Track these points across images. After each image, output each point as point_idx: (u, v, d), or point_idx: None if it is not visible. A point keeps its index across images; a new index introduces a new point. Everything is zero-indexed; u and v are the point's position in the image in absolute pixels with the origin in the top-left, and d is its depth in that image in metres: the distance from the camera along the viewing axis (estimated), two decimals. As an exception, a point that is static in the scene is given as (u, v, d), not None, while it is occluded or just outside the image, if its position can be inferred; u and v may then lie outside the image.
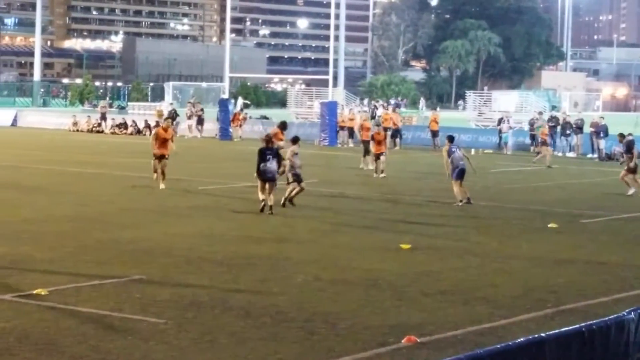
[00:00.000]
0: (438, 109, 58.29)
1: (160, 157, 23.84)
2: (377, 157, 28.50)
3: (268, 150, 19.63)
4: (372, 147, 28.79)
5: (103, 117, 54.10)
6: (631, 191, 24.87)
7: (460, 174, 21.76)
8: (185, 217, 18.83)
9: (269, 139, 20.00)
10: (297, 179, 20.51)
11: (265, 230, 17.56)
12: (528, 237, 17.75)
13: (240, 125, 49.38)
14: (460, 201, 21.65)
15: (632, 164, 25.16)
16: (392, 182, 27.45)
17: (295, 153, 20.61)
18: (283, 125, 27.61)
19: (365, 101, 76.59)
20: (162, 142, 24.05)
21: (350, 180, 27.67)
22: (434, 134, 44.70)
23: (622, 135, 27.67)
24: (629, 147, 26.00)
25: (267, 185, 19.33)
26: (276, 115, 63.59)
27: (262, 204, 19.37)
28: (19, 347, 9.46)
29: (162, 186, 23.56)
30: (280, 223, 18.59)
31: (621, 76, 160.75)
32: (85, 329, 10.19)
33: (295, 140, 21.10)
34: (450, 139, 22.53)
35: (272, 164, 19.36)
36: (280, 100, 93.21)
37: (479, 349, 6.71)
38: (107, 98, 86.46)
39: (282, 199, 20.41)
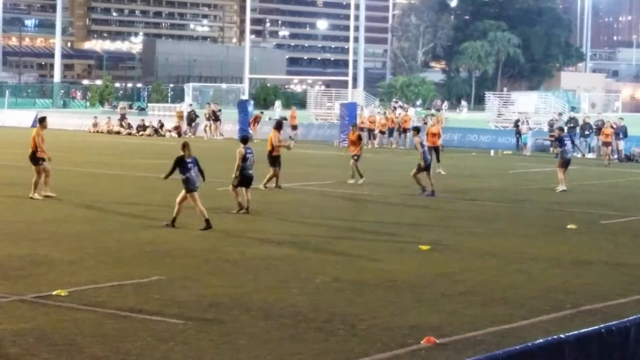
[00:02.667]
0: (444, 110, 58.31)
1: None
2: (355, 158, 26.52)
3: (189, 158, 17.65)
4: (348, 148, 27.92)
5: (123, 118, 54.35)
6: None
7: (429, 166, 23.99)
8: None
9: (185, 146, 17.81)
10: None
11: (284, 232, 17.58)
12: (547, 238, 17.70)
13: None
14: (424, 191, 23.44)
15: None
16: (409, 183, 27.40)
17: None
18: (279, 125, 26.55)
19: (393, 102, 76.51)
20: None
21: (368, 180, 27.65)
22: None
23: None
24: None
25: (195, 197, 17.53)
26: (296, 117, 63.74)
27: (173, 221, 17.60)
28: (38, 348, 9.52)
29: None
30: (299, 224, 18.61)
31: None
32: (105, 330, 10.24)
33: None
34: (418, 130, 24.39)
35: (195, 173, 17.58)
36: (299, 102, 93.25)
37: (498, 350, 6.70)
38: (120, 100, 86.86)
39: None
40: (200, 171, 17.72)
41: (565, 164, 25.95)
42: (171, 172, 17.75)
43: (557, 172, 26.00)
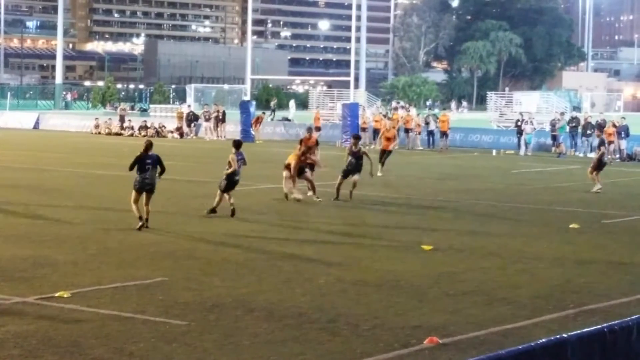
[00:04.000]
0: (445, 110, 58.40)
1: None
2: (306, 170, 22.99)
3: (148, 157, 17.44)
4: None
5: (122, 120, 54.39)
6: None
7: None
8: (207, 219, 18.88)
9: (149, 145, 17.64)
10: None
11: (287, 232, 17.59)
12: (550, 237, 17.70)
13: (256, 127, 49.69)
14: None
15: None
16: (413, 183, 27.43)
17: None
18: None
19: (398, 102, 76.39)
20: None
21: (371, 181, 27.63)
22: (444, 134, 44.92)
23: None
24: None
25: (144, 196, 17.36)
26: (298, 117, 63.79)
27: (140, 220, 17.27)
28: (42, 350, 9.53)
29: None
30: (302, 224, 18.62)
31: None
32: (108, 331, 10.25)
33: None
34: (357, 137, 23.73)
35: (150, 174, 17.34)
36: (301, 102, 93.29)
37: (501, 350, 6.71)
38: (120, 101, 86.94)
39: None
40: (162, 170, 17.55)
41: (600, 166, 25.68)
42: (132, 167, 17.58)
43: (590, 174, 25.72)
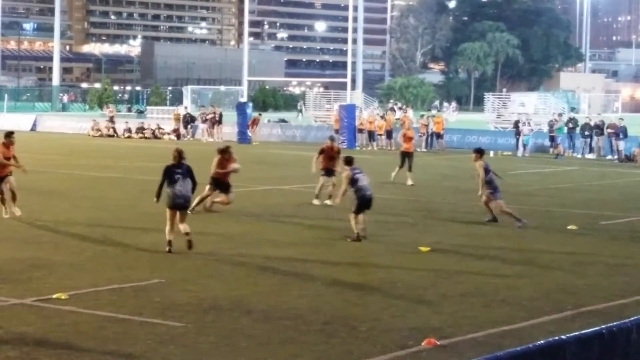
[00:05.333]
0: (436, 110, 58.43)
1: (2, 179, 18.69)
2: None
3: (178, 167, 15.36)
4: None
5: (112, 121, 54.36)
6: None
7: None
8: (204, 221, 18.85)
9: (179, 153, 15.55)
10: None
11: (284, 234, 17.57)
12: (547, 239, 17.69)
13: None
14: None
15: None
16: (411, 185, 27.39)
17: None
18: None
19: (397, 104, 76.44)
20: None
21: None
22: (438, 135, 44.97)
23: None
24: None
25: (178, 215, 15.25)
26: (295, 119, 63.81)
27: (169, 245, 15.07)
28: (39, 351, 9.51)
29: (17, 212, 18.71)
30: (298, 226, 18.61)
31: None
32: (105, 333, 10.22)
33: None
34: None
35: (182, 186, 15.23)
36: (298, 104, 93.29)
37: (499, 352, 6.69)
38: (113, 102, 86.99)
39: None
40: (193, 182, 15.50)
41: None
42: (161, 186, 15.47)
43: None
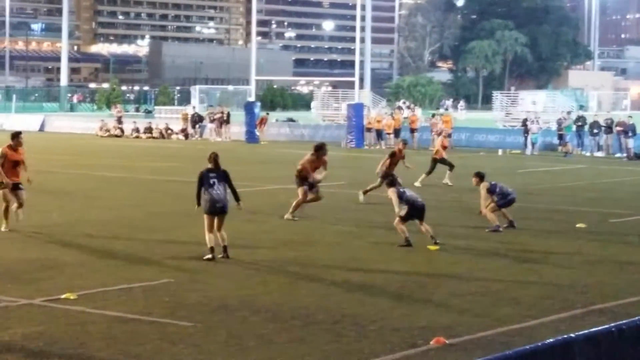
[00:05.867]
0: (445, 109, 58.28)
1: (14, 187, 17.28)
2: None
3: (212, 172, 14.81)
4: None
5: (120, 121, 54.47)
6: None
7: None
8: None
9: (215, 157, 15.00)
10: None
11: (293, 233, 17.57)
12: (557, 237, 17.66)
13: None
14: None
15: None
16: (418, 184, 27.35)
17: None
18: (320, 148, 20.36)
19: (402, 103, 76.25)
20: (14, 165, 17.39)
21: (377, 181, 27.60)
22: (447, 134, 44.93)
23: None
24: None
25: (215, 221, 14.69)
26: (303, 118, 63.80)
27: (211, 252, 14.53)
28: (48, 352, 9.52)
29: (20, 217, 17.50)
30: (307, 226, 18.61)
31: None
32: (114, 333, 10.24)
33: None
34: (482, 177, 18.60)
35: (219, 190, 14.67)
36: (306, 103, 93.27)
37: (508, 350, 6.68)
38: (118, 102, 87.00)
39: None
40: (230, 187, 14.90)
41: None
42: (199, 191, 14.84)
43: None
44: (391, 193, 16.79)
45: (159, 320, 10.76)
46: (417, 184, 25.57)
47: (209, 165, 14.84)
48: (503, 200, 18.50)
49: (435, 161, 27.19)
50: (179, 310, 11.26)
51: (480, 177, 18.68)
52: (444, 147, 28.02)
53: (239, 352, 9.62)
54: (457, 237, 17.27)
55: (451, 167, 27.06)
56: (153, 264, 14.27)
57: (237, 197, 14.91)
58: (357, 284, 12.96)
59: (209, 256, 14.46)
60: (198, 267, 14.04)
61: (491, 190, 18.46)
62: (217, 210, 14.59)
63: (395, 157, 22.58)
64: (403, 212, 16.49)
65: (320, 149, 19.81)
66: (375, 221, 19.42)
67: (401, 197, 16.65)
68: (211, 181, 14.62)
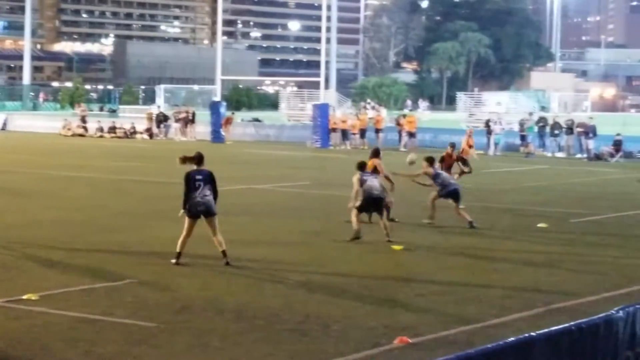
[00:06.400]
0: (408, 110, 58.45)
1: None
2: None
3: (198, 173, 14.35)
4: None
5: (83, 121, 54.13)
6: None
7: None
8: (177, 221, 18.72)
9: (199, 158, 14.56)
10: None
11: (257, 233, 17.57)
12: (518, 237, 17.81)
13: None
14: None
15: None
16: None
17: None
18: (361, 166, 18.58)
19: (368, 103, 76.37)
20: None
21: (342, 182, 27.64)
22: (412, 135, 45.08)
23: None
24: None
25: (208, 225, 14.35)
26: (268, 118, 63.72)
27: (177, 258, 14.14)
28: (10, 353, 9.45)
29: None
30: (272, 226, 18.61)
31: (609, 77, 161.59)
32: (77, 334, 10.19)
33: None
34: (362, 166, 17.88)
35: (204, 192, 14.19)
36: (272, 103, 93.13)
37: (470, 349, 6.74)
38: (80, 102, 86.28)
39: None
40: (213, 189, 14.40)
41: None
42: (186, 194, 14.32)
43: None
44: (355, 181, 16.93)
45: (121, 321, 10.72)
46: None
47: (194, 167, 14.43)
48: (443, 190, 19.00)
49: (464, 160, 26.76)
50: (142, 311, 11.22)
51: (429, 161, 19.29)
52: (470, 146, 28.31)
53: (203, 353, 9.61)
54: (421, 237, 17.36)
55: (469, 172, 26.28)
56: (116, 264, 14.20)
57: (215, 199, 14.51)
58: (322, 284, 13.00)
59: (174, 261, 14.20)
60: (162, 267, 14.00)
61: (434, 177, 19.10)
62: (198, 214, 14.22)
63: (446, 162, 22.31)
64: (358, 203, 16.59)
65: (375, 155, 19.70)
66: (339, 221, 19.46)
67: (362, 183, 16.78)
68: (197, 184, 14.19)
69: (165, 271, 13.69)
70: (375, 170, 18.79)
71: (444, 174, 19.56)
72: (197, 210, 14.15)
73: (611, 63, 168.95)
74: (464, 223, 18.66)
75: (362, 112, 52.75)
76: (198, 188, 14.13)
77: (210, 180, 14.27)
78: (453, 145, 23.66)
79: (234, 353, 9.58)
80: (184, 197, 14.25)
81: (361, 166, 17.53)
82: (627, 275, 14.14)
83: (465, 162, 26.40)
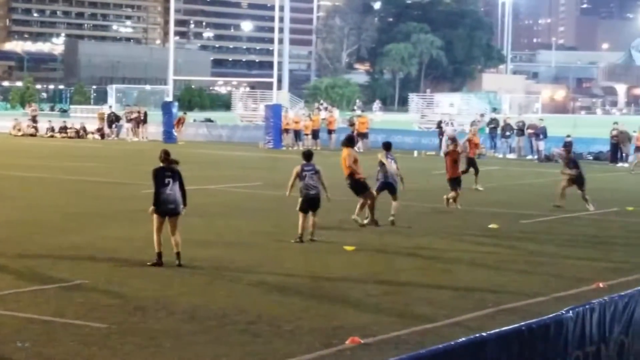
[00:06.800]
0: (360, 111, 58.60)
1: None
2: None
3: (167, 170, 14.24)
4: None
5: (34, 120, 53.60)
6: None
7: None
8: (129, 222, 18.69)
9: (166, 155, 14.44)
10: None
11: (210, 234, 17.52)
12: (469, 237, 17.96)
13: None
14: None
15: None
16: (335, 184, 27.49)
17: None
18: (350, 141, 21.46)
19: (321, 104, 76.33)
20: None
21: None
22: (363, 135, 45.14)
23: None
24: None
25: (168, 224, 14.11)
26: (221, 118, 63.53)
27: (159, 258, 13.99)
28: (-41, 354, 9.35)
29: None
30: (224, 226, 18.57)
31: (560, 79, 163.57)
32: (27, 335, 10.09)
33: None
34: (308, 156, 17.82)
35: (173, 190, 14.10)
36: (224, 103, 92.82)
37: (422, 349, 6.79)
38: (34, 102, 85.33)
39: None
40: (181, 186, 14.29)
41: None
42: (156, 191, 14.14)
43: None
44: (294, 171, 17.13)
45: (73, 322, 10.64)
46: (479, 187, 26.28)
47: (161, 164, 14.21)
48: (378, 182, 19.65)
49: (472, 160, 27.39)
50: (94, 312, 11.15)
51: (385, 147, 20.05)
52: (476, 145, 28.36)
53: (155, 354, 9.57)
54: (373, 238, 17.43)
55: (476, 172, 27.10)
56: (68, 264, 14.08)
57: (184, 201, 14.31)
58: (273, 285, 13.00)
59: (155, 261, 13.89)
60: (114, 268, 13.90)
61: (380, 165, 19.79)
62: (167, 211, 14.03)
63: (449, 156, 22.49)
64: (298, 207, 16.79)
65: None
66: (291, 221, 19.46)
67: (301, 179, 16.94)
68: (166, 180, 14.00)
69: (117, 272, 13.60)
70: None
71: (388, 166, 19.70)
72: (167, 209, 14.03)
73: (562, 65, 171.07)
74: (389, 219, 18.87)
75: (315, 113, 52.82)
76: (167, 185, 14.03)
77: (178, 177, 14.22)
78: (454, 140, 23.77)
79: (186, 354, 9.56)
80: (154, 194, 14.07)
81: (307, 156, 17.52)
82: (577, 276, 14.33)
83: (471, 162, 27.05)
